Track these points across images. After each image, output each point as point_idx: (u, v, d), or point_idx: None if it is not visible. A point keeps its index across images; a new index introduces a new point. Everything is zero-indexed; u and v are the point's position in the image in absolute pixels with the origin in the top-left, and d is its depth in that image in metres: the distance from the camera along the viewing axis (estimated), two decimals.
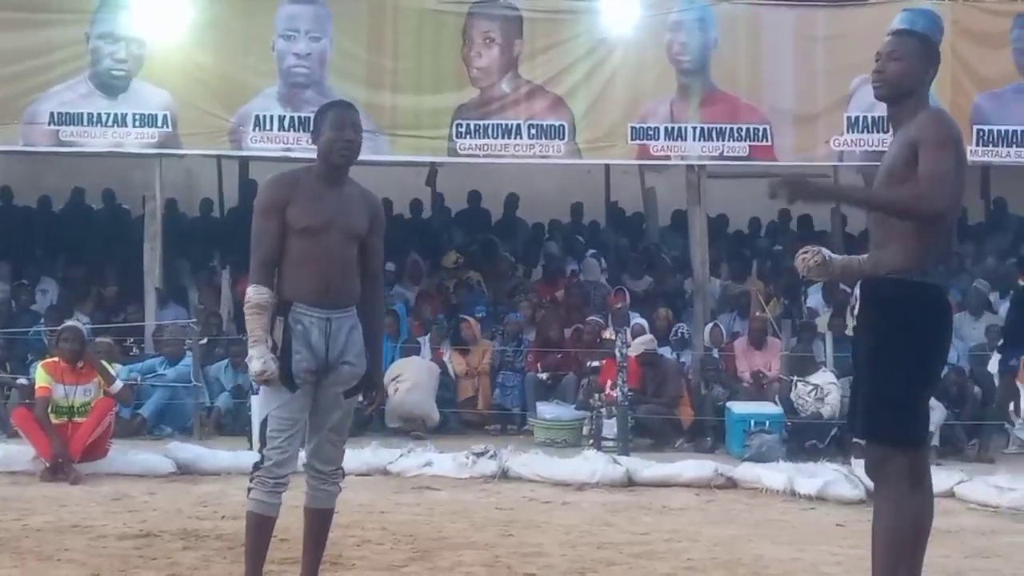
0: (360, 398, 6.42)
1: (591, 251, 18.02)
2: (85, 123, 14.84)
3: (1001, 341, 6.23)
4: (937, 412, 12.23)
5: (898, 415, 5.43)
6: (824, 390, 13.25)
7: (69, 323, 11.84)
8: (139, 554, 7.78)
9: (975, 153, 14.77)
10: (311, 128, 6.49)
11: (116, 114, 14.83)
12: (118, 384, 11.31)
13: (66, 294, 15.94)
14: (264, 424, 6.16)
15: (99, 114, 14.84)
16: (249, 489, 6.17)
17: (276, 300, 6.12)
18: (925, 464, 5.64)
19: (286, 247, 6.14)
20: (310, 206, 6.14)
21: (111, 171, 18.16)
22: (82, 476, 10.59)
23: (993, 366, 13.61)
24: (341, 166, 6.27)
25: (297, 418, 6.13)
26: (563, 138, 15.20)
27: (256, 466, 6.16)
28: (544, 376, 14.59)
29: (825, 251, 5.85)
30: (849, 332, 13.52)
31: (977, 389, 13.49)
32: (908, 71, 5.58)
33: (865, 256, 5.74)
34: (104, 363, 11.45)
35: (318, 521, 6.37)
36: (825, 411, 13.15)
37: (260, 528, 6.19)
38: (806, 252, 5.87)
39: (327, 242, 6.14)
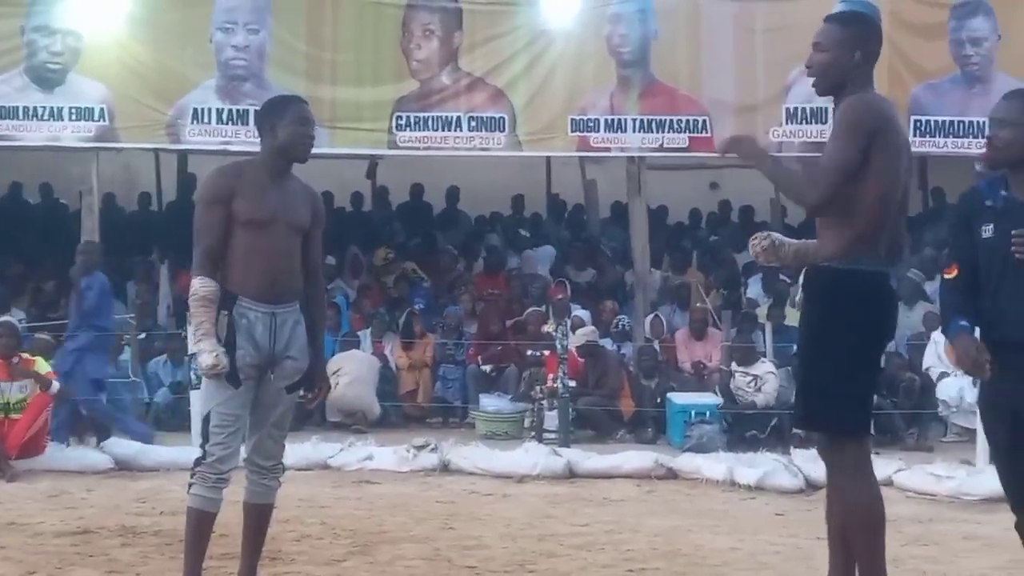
0: (301, 392, 6.39)
1: (546, 245, 18.08)
2: (21, 117, 14.62)
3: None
4: None
5: (835, 404, 5.42)
6: (762, 379, 13.31)
7: (3, 319, 11.72)
8: (76, 551, 7.72)
9: (913, 144, 14.81)
10: (257, 121, 6.43)
11: (52, 108, 14.62)
12: (55, 385, 11.17)
13: (1, 290, 15.75)
14: (206, 420, 6.12)
15: (35, 108, 14.62)
16: (190, 484, 6.13)
17: (221, 293, 6.07)
18: (866, 454, 5.64)
19: (231, 240, 6.08)
20: (255, 199, 6.09)
21: (48, 165, 17.99)
22: (19, 473, 10.51)
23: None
24: (300, 161, 6.25)
25: (239, 414, 6.10)
26: (504, 130, 15.14)
27: (198, 461, 6.12)
28: (486, 368, 14.58)
29: (776, 235, 5.85)
30: (790, 322, 13.73)
31: (915, 378, 13.60)
32: (831, 61, 5.52)
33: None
34: (41, 361, 11.31)
35: (258, 516, 6.33)
36: (759, 399, 13.20)
37: (200, 523, 6.14)
38: (756, 237, 5.89)
39: (272, 236, 6.10)
